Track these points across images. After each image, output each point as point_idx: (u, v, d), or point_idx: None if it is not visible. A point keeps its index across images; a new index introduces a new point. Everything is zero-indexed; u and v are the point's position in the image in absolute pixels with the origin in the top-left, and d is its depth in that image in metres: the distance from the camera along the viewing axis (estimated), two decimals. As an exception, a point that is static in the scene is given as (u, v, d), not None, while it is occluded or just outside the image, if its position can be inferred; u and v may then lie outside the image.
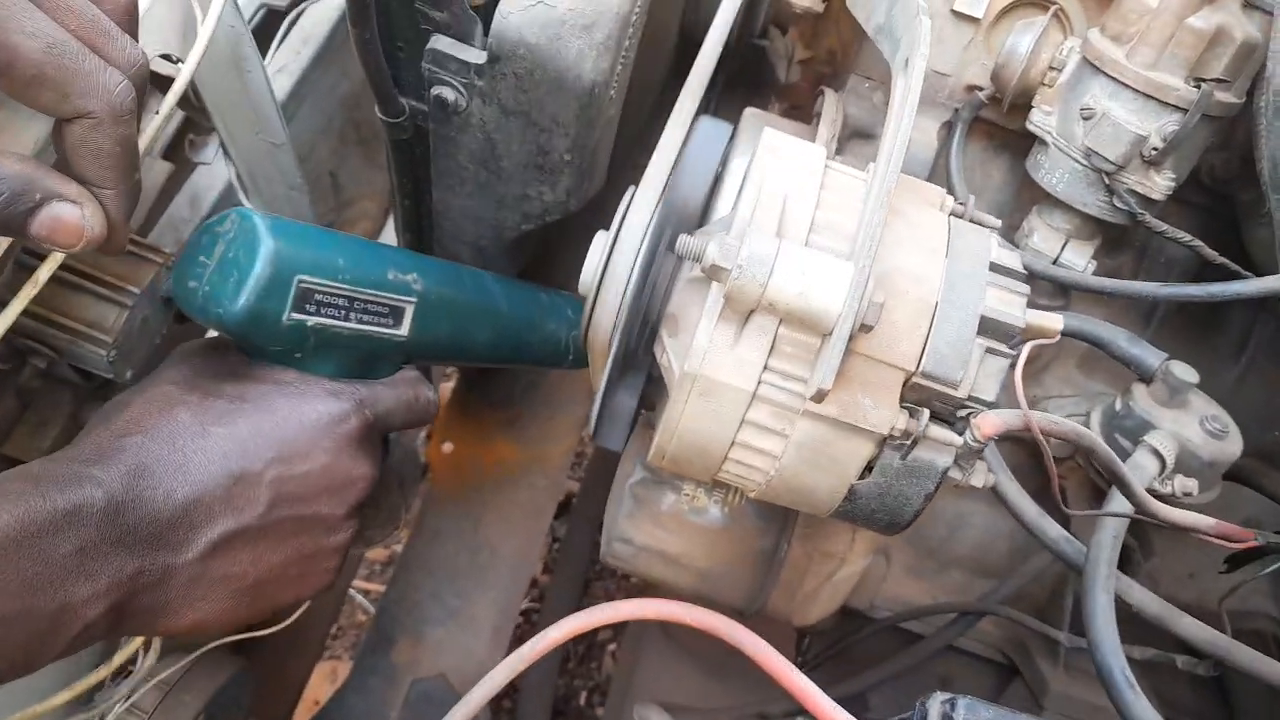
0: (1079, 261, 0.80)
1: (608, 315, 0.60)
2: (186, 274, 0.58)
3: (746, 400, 0.54)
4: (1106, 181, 0.74)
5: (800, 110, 1.18)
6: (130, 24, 0.52)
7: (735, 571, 0.80)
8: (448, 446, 1.29)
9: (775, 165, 0.56)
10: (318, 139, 1.18)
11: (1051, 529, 0.72)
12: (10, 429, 0.77)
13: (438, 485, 1.24)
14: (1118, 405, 0.77)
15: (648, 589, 1.01)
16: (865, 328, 0.50)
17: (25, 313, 0.71)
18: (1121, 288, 0.71)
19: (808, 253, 0.50)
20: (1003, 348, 0.54)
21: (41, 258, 0.61)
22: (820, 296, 0.49)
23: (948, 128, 0.86)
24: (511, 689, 1.59)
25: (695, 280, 0.60)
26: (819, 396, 0.49)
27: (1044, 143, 0.78)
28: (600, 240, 0.63)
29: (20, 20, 0.45)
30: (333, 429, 0.59)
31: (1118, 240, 0.87)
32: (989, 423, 0.53)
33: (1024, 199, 0.87)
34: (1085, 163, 0.75)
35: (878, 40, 0.67)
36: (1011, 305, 0.55)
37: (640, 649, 1.16)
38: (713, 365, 0.53)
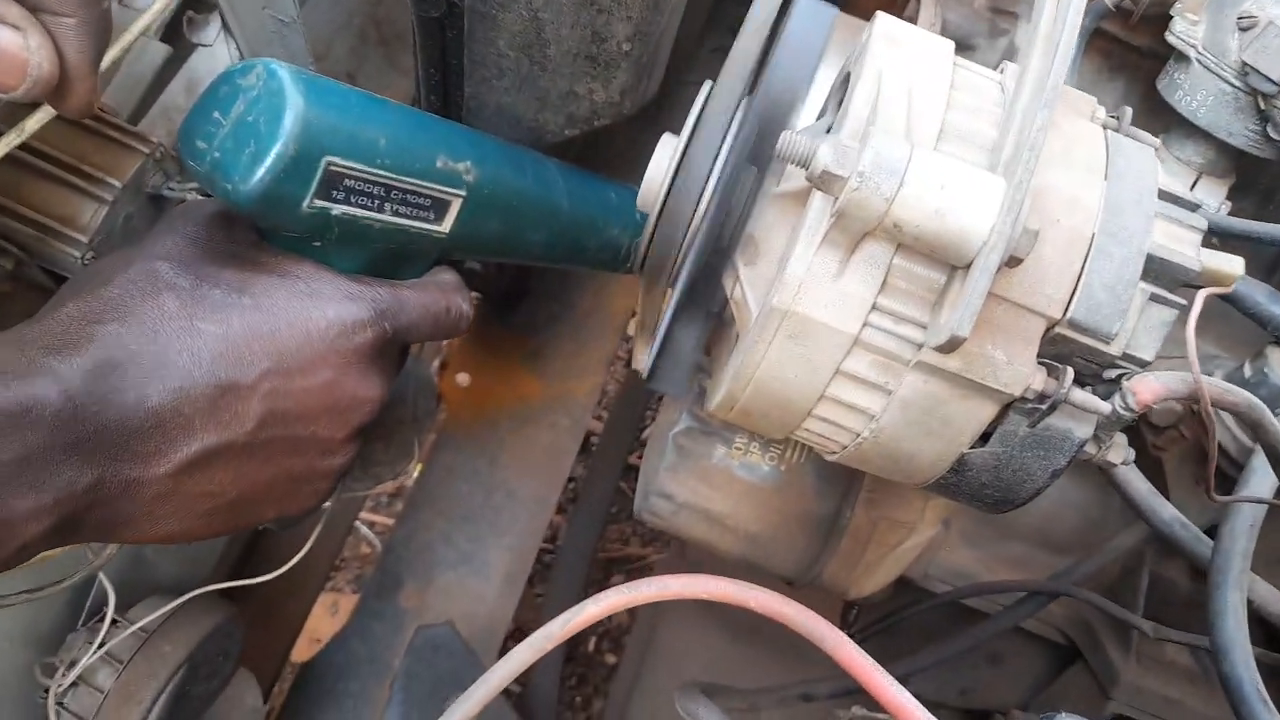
0: (1211, 201, 0.69)
1: (674, 235, 0.50)
2: (196, 131, 0.49)
3: (847, 345, 0.44)
4: (1262, 106, 0.63)
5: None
6: None
7: (788, 537, 0.71)
8: (463, 378, 1.19)
9: (895, 56, 0.45)
10: (335, 36, 1.07)
11: (1165, 510, 0.63)
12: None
13: (452, 419, 1.15)
14: (1246, 371, 0.66)
15: (668, 541, 0.92)
16: (1014, 261, 0.39)
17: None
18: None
19: (949, 161, 0.39)
20: (1170, 295, 0.44)
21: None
22: (963, 217, 0.38)
23: (1060, 40, 0.74)
24: (519, 632, 1.53)
25: (784, 195, 0.49)
26: (950, 346, 0.39)
27: (1184, 59, 0.66)
28: (669, 143, 0.52)
29: None
30: (343, 340, 0.49)
31: (1247, 180, 0.75)
32: (1148, 388, 0.43)
33: (1148, 127, 0.75)
34: (1238, 83, 0.63)
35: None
36: (1183, 243, 0.44)
37: (660, 605, 1.08)
38: (809, 301, 0.43)
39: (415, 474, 1.09)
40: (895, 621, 0.84)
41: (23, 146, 0.53)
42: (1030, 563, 0.89)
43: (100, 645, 0.64)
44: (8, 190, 0.61)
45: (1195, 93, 0.66)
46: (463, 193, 0.55)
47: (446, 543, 1.09)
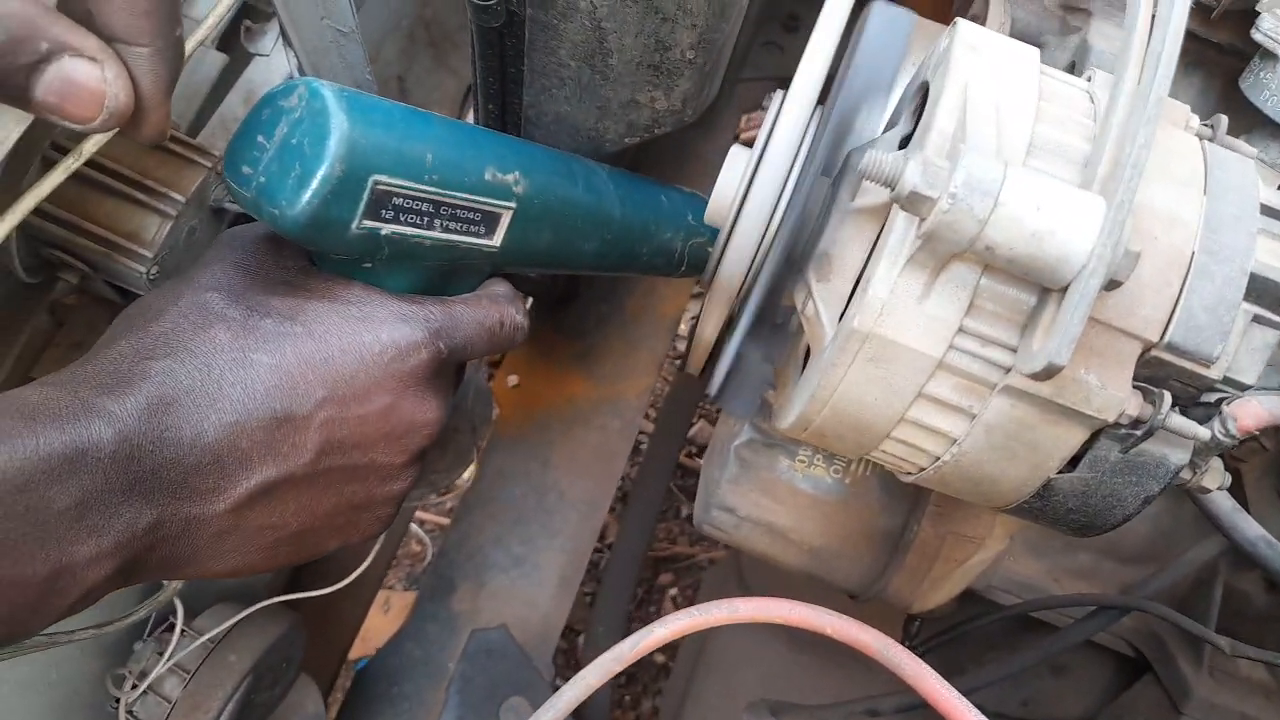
0: (1296, 206, 0.66)
1: (746, 252, 0.48)
2: (241, 155, 0.47)
3: (930, 369, 0.42)
4: (1356, 107, 0.60)
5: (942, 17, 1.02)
6: None
7: (853, 551, 0.70)
8: (513, 380, 1.19)
9: (979, 66, 0.44)
10: (385, 39, 1.06)
11: (1250, 528, 0.60)
12: (42, 350, 0.68)
13: (503, 421, 1.15)
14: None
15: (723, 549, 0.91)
16: (1113, 284, 0.37)
17: (56, 220, 0.62)
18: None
19: (1045, 180, 0.37)
20: (1274, 316, 0.41)
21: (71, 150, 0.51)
22: (1061, 240, 0.37)
23: (1135, 37, 0.71)
24: (570, 631, 1.52)
25: (860, 210, 0.47)
26: (1046, 374, 0.37)
27: (1271, 57, 0.63)
28: (740, 157, 0.51)
29: None
30: (398, 364, 0.48)
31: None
32: (1250, 413, 0.41)
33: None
34: (1330, 82, 0.60)
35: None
36: (1288, 261, 0.42)
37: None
38: (894, 324, 0.41)
39: (471, 480, 1.09)
40: (960, 634, 0.83)
41: (87, 162, 0.53)
42: (1098, 573, 0.87)
43: (168, 656, 0.65)
44: (73, 206, 0.62)
45: (1283, 92, 0.63)
46: (513, 205, 0.54)
47: (499, 546, 1.09)
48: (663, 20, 0.56)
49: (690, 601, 1.64)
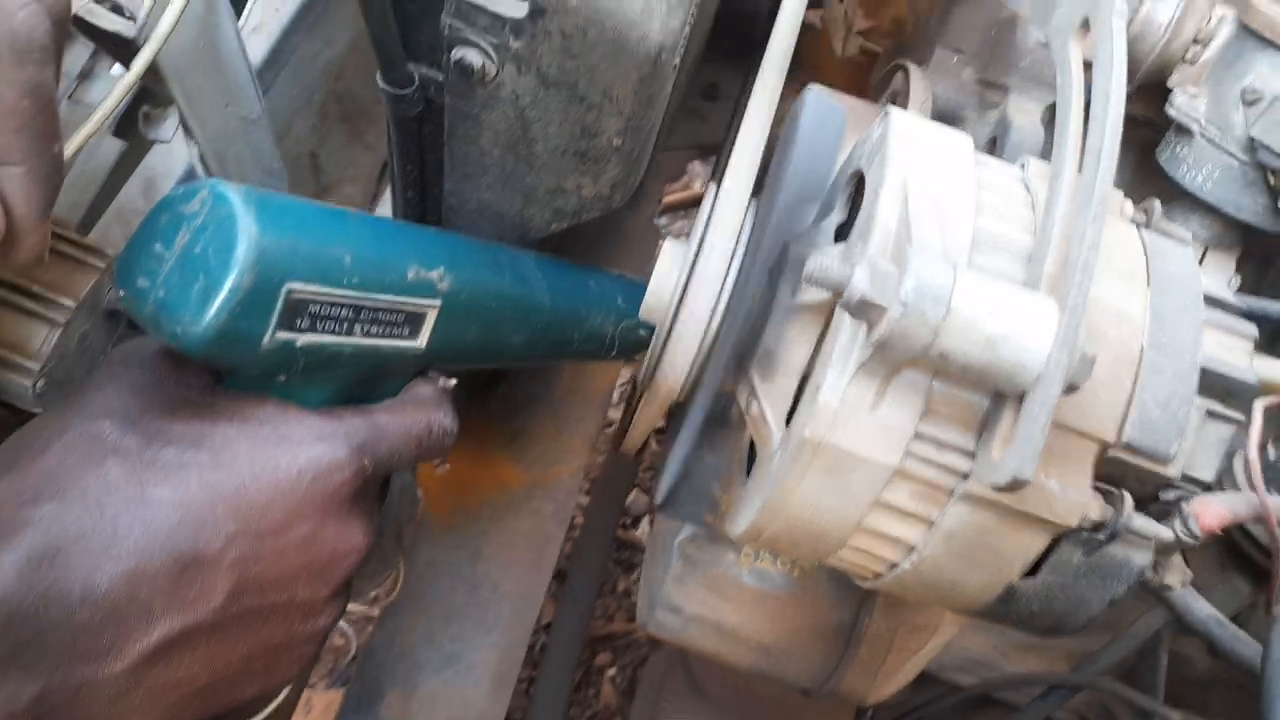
0: (1219, 278, 0.67)
1: (686, 355, 0.46)
2: (136, 266, 0.43)
3: (886, 477, 0.40)
4: (1271, 182, 0.61)
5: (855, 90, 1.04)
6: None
7: (804, 647, 0.67)
8: (443, 467, 1.14)
9: (916, 158, 0.42)
10: (296, 114, 1.03)
11: (1201, 608, 0.59)
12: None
13: (432, 511, 1.09)
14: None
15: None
16: (1071, 389, 0.36)
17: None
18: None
19: (995, 284, 0.36)
20: (1227, 410, 0.41)
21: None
22: (1016, 347, 0.35)
23: (1052, 111, 0.72)
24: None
25: (802, 308, 0.46)
26: (1012, 487, 0.35)
27: (1186, 132, 0.64)
28: (675, 251, 0.49)
29: None
30: (318, 487, 0.43)
31: (1247, 249, 0.74)
32: (1211, 512, 0.40)
33: (1145, 197, 0.73)
34: (1244, 158, 0.61)
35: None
36: (1235, 352, 0.41)
37: (662, 689, 1.04)
38: (846, 433, 0.39)
39: (400, 584, 1.03)
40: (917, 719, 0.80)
41: None
42: (1045, 646, 0.86)
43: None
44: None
45: (1200, 167, 0.64)
46: (438, 302, 0.50)
47: (429, 644, 1.03)
48: (588, 108, 0.54)
49: (630, 683, 1.59)
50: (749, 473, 0.51)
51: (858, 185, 0.47)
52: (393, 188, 0.68)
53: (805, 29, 1.01)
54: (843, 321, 0.40)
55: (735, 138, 0.50)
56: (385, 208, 1.17)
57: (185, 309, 0.41)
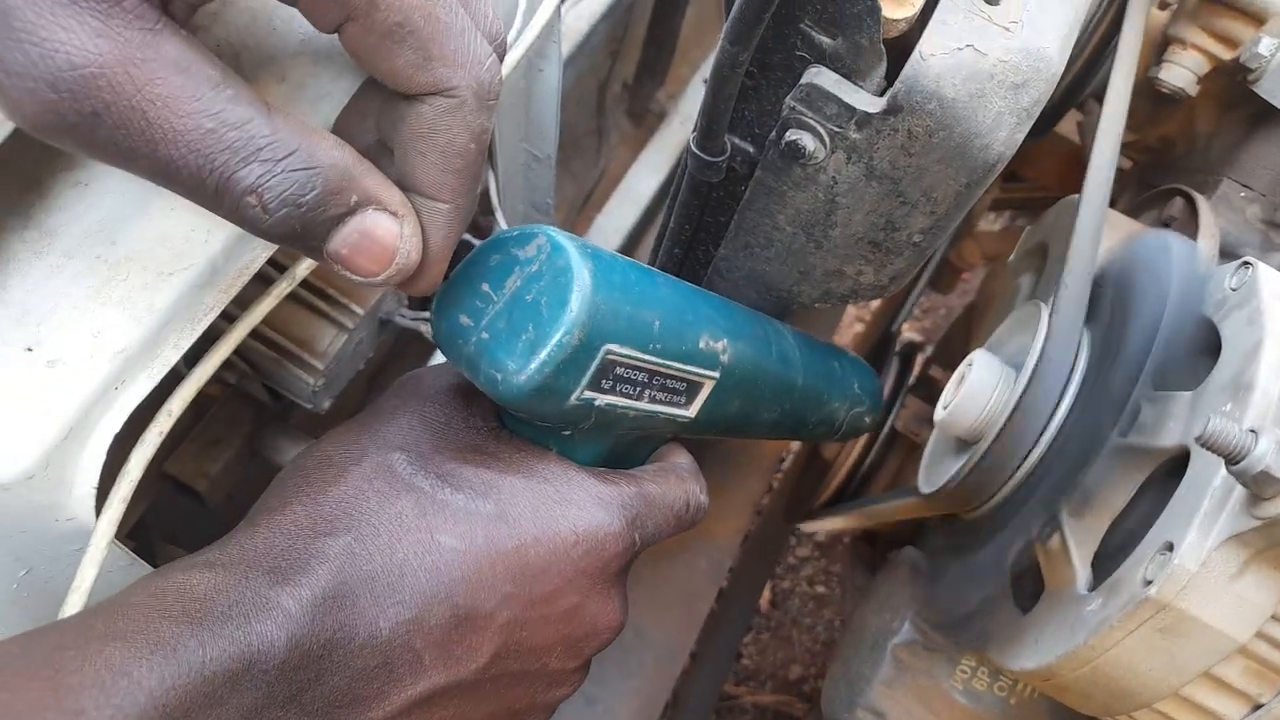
0: None
1: (995, 479, 0.45)
2: (458, 303, 0.42)
3: (1227, 651, 0.38)
4: None
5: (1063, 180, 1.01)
6: None
7: (1007, 777, 0.64)
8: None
9: (1297, 322, 0.40)
10: (519, 141, 1.06)
11: None
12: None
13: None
14: None
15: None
16: None
17: (228, 315, 0.59)
18: None
19: None
20: None
21: (283, 268, 0.48)
22: None
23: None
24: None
25: (1130, 450, 0.44)
26: None
27: None
28: (990, 365, 0.48)
29: None
30: (591, 559, 0.42)
31: None
32: None
33: None
34: None
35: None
36: None
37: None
38: (1198, 599, 0.37)
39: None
40: None
41: (270, 262, 0.49)
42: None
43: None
44: (249, 305, 0.59)
45: None
46: (717, 374, 0.50)
47: (569, 680, 1.03)
48: (902, 203, 0.54)
49: (732, 747, 1.56)
50: (1021, 601, 0.49)
51: (1201, 335, 0.45)
52: (658, 241, 0.68)
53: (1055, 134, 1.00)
54: (1211, 482, 0.38)
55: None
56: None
57: (509, 357, 0.40)
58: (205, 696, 0.31)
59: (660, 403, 0.48)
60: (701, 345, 0.49)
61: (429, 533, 0.39)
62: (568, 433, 0.46)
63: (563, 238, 0.42)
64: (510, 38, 0.52)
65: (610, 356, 0.42)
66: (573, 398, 0.42)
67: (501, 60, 0.37)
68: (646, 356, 0.45)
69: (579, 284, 0.40)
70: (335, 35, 0.33)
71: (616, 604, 0.44)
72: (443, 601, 0.38)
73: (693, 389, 0.50)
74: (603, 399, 0.44)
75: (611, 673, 1.03)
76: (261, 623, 0.33)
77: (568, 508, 0.42)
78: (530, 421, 0.45)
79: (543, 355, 0.39)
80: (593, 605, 0.43)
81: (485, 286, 0.42)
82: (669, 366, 0.47)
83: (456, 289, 0.43)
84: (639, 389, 0.46)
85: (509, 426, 0.46)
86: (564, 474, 0.44)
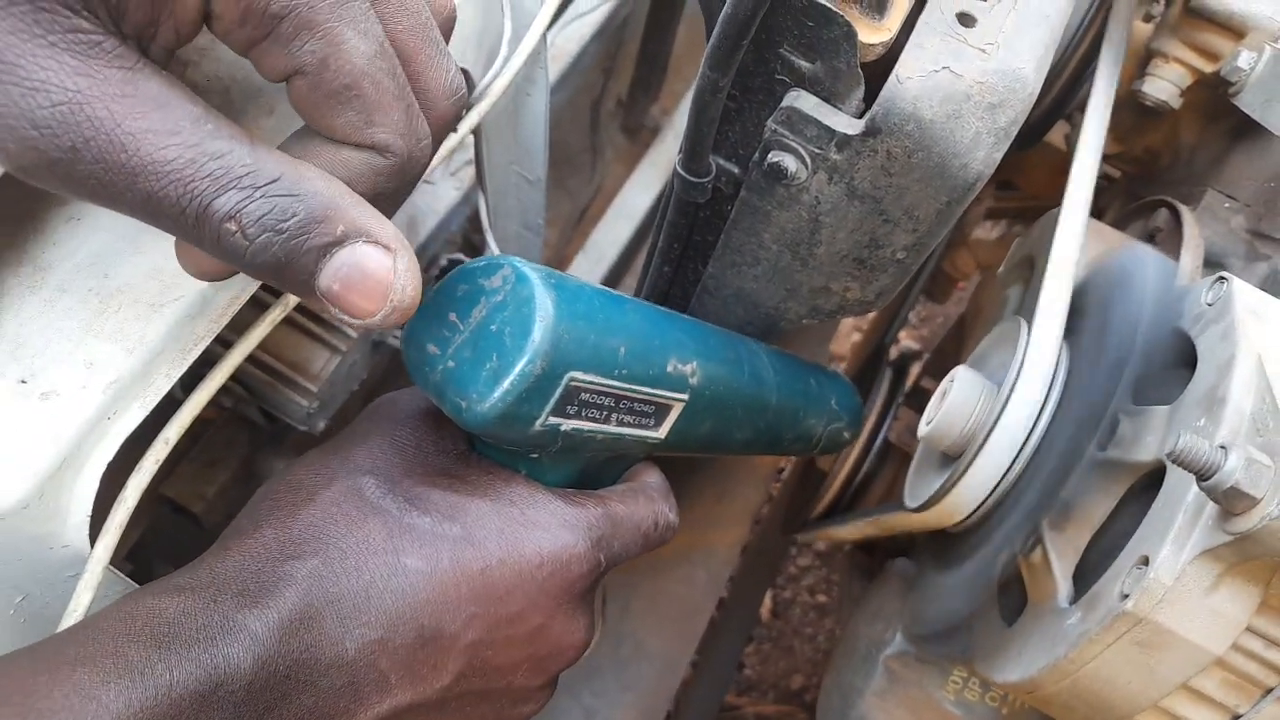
0: None
1: (976, 492, 0.45)
2: (427, 331, 0.43)
3: (1203, 663, 0.39)
4: None
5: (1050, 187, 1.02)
6: (447, 35, 0.40)
7: (1000, 787, 0.64)
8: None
9: (1270, 337, 0.41)
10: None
11: None
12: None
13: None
14: None
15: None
16: None
17: (224, 341, 0.60)
18: None
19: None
20: None
21: (277, 292, 0.49)
22: (1405, 568, 0.33)
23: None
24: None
25: (1109, 464, 0.44)
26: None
27: None
28: (971, 381, 0.49)
29: (356, 11, 0.33)
30: (556, 580, 0.43)
31: None
32: None
33: None
34: None
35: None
36: None
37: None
38: (1174, 613, 0.38)
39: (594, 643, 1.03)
40: None
41: (264, 286, 0.50)
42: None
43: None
44: (244, 331, 0.60)
45: None
46: (686, 397, 0.50)
47: (569, 693, 1.04)
48: (884, 222, 0.55)
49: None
50: (1005, 613, 0.50)
51: (1171, 349, 0.46)
52: (647, 259, 0.69)
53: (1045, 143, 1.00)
54: (1184, 497, 0.39)
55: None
56: (578, 264, 1.20)
57: (473, 386, 0.41)
58: (172, 719, 0.32)
59: (628, 425, 0.48)
60: (669, 369, 0.49)
61: (395, 555, 0.39)
62: (536, 455, 0.46)
63: (528, 268, 0.43)
64: (497, 65, 0.53)
65: (574, 383, 0.43)
66: (537, 424, 0.43)
67: (455, 113, 0.38)
68: (612, 382, 0.45)
69: (541, 314, 0.41)
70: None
71: (582, 623, 0.45)
72: (408, 622, 0.39)
73: (661, 411, 0.50)
74: (569, 424, 0.45)
75: (611, 685, 1.03)
76: (228, 645, 0.34)
77: (532, 530, 0.43)
78: (498, 445, 0.46)
79: (506, 384, 0.40)
80: (558, 625, 0.43)
81: (453, 316, 0.43)
82: (636, 390, 0.47)
83: (425, 318, 0.43)
84: (605, 413, 0.47)
85: (479, 450, 0.47)
86: (530, 496, 0.44)
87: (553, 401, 0.42)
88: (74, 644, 0.32)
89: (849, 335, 1.79)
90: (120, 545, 0.38)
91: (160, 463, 0.39)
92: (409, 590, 0.39)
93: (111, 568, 0.38)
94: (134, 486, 0.38)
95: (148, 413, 0.38)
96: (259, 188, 0.31)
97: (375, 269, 0.34)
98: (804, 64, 0.49)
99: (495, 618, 0.41)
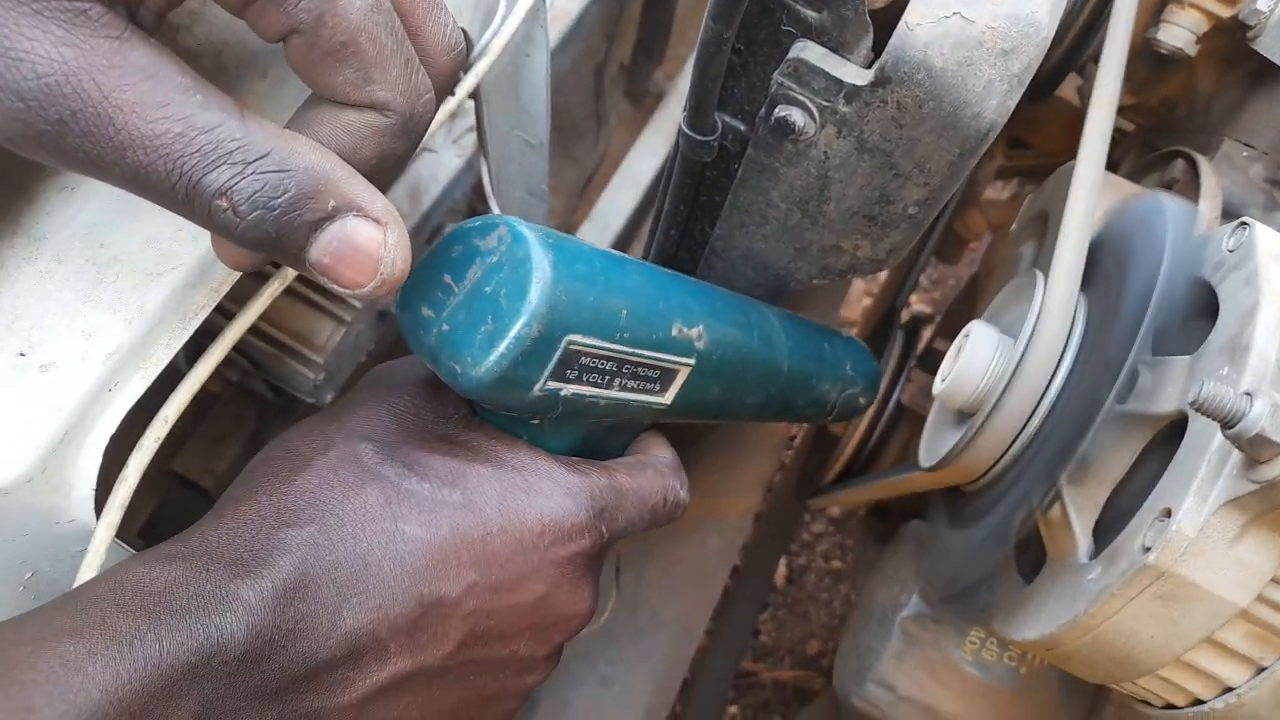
0: None
1: (993, 448, 0.44)
2: (422, 294, 0.41)
3: (1228, 616, 0.38)
4: None
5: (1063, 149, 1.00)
6: None
7: (1019, 746, 0.64)
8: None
9: (1293, 283, 0.40)
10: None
11: None
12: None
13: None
14: None
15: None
16: None
17: (226, 314, 0.59)
18: None
19: None
20: None
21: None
22: None
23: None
24: None
25: (1128, 417, 0.44)
26: None
27: None
28: (986, 336, 0.48)
29: None
30: (557, 549, 0.42)
31: None
32: None
33: None
34: None
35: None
36: None
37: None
38: (1197, 565, 0.37)
39: (609, 611, 1.03)
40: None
41: None
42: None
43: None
44: (245, 303, 0.59)
45: None
46: (692, 361, 0.49)
47: (585, 661, 1.04)
48: (895, 175, 0.54)
49: (751, 724, 1.57)
50: (1024, 571, 0.49)
51: (1196, 297, 0.45)
52: (654, 222, 0.68)
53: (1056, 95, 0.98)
54: (1208, 446, 0.38)
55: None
56: (584, 231, 1.19)
57: (468, 349, 0.39)
58: (163, 690, 0.31)
59: (632, 391, 0.47)
60: (674, 332, 0.48)
61: (394, 522, 0.39)
62: (536, 422, 0.45)
63: (524, 227, 0.41)
64: (495, 24, 0.52)
65: (574, 347, 0.42)
66: (536, 388, 0.41)
67: (454, 69, 0.37)
68: (613, 346, 0.44)
69: (538, 275, 0.39)
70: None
71: (585, 593, 0.44)
72: (407, 590, 0.38)
73: (667, 376, 0.49)
74: (569, 389, 0.43)
75: (628, 654, 1.04)
76: (220, 615, 0.33)
77: (534, 497, 0.42)
78: (498, 411, 0.45)
79: (501, 348, 0.39)
80: (560, 594, 0.43)
81: (447, 278, 0.41)
82: (639, 355, 0.46)
83: (420, 281, 0.42)
84: (608, 378, 0.45)
85: (480, 415, 0.46)
86: (533, 463, 0.44)
87: (551, 365, 0.41)
88: (61, 615, 0.31)
89: (860, 299, 1.78)
90: (131, 521, 0.38)
91: (161, 440, 0.38)
92: (408, 557, 0.38)
93: (119, 541, 0.37)
94: (135, 465, 0.38)
95: (149, 384, 0.38)
96: (249, 163, 0.31)
97: (365, 242, 0.33)
98: (810, 13, 0.48)
99: (495, 585, 0.40)
